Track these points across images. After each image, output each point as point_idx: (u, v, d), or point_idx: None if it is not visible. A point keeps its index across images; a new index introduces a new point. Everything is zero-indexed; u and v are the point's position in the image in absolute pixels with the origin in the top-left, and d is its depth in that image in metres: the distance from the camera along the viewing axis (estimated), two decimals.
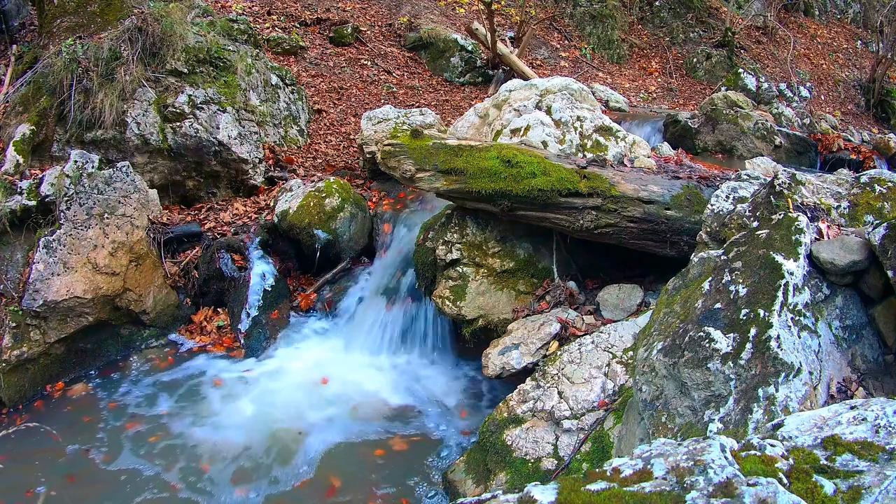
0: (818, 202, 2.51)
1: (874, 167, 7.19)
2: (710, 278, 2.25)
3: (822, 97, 10.44)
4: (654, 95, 9.60)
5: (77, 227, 4.26)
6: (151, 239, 4.76)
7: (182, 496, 3.32)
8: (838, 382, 2.00)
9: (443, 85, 8.57)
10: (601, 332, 3.48)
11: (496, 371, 3.64)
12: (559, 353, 3.45)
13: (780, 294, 2.00)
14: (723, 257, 2.31)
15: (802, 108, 9.07)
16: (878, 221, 2.11)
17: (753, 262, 2.14)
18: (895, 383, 2.01)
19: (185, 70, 5.43)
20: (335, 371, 4.39)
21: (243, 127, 5.61)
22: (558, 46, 10.12)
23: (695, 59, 10.51)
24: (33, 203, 4.29)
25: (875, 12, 12.40)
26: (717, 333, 2.02)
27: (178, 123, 5.25)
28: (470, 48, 8.73)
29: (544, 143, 4.43)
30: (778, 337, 1.91)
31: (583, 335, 3.58)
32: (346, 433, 3.82)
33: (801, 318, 2.02)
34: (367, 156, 5.73)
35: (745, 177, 3.05)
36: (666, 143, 6.49)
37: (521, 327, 3.82)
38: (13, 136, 4.81)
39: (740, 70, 9.38)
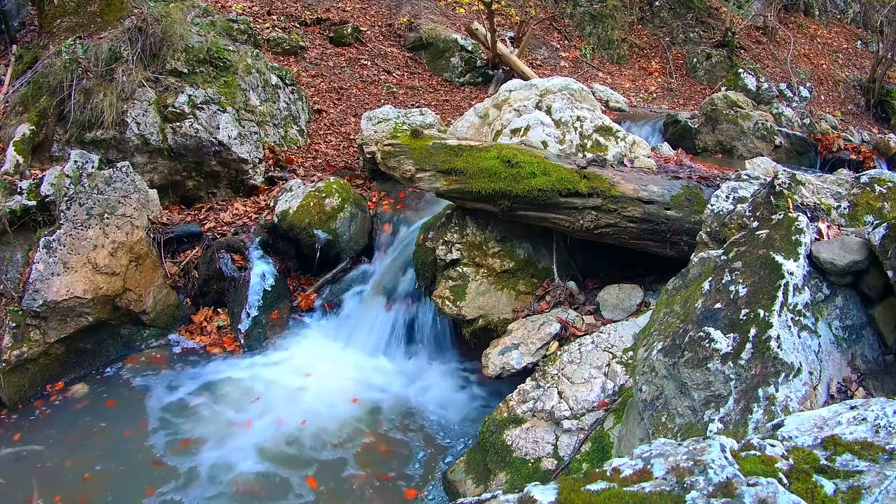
0: (818, 202, 2.51)
1: (874, 167, 7.19)
2: (710, 278, 2.25)
3: (822, 97, 10.44)
4: (654, 95, 9.60)
5: (77, 227, 4.26)
6: (151, 239, 4.76)
7: (180, 495, 3.32)
8: (838, 382, 2.00)
9: (443, 85, 8.57)
10: (601, 332, 3.48)
11: (496, 371, 3.64)
12: (559, 353, 3.45)
13: (780, 294, 2.00)
14: (723, 257, 2.31)
15: (802, 108, 9.07)
16: (878, 221, 2.11)
17: (753, 262, 2.14)
18: (895, 383, 2.01)
19: (185, 70, 5.43)
20: (334, 371, 4.39)
21: (243, 127, 5.61)
22: (558, 46, 10.12)
23: (695, 59, 10.51)
24: (33, 203, 4.29)
25: (875, 12, 12.40)
26: (717, 333, 2.02)
27: (178, 123, 5.25)
28: (470, 48, 8.72)
29: (544, 143, 4.43)
30: (778, 337, 1.91)
31: (583, 335, 3.58)
32: (344, 432, 3.82)
33: (801, 318, 2.02)
34: (367, 156, 5.73)
35: (745, 177, 3.05)
36: (666, 143, 6.49)
37: (521, 327, 3.82)
38: (13, 136, 4.81)
39: (740, 70, 9.38)
